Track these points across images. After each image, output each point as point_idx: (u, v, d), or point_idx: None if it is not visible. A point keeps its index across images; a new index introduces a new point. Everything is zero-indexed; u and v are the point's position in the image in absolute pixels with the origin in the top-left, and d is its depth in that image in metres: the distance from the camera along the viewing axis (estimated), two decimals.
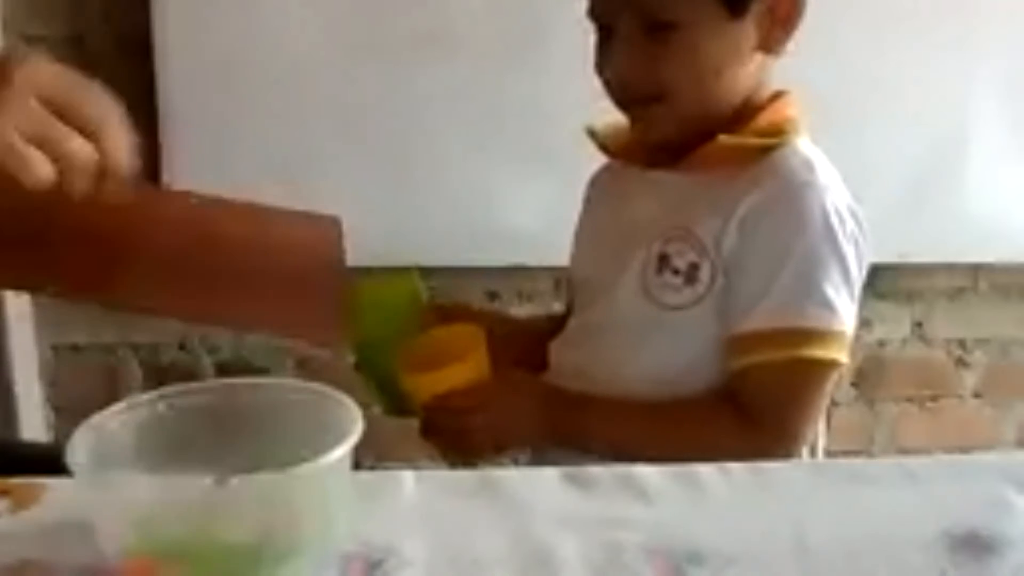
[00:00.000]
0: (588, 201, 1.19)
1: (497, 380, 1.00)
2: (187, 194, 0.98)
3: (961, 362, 2.19)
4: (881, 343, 2.15)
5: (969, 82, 1.92)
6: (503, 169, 1.86)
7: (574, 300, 1.17)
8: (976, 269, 2.11)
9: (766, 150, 0.99)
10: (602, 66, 1.01)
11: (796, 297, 0.95)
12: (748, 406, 0.96)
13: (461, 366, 0.98)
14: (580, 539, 0.69)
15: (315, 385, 0.70)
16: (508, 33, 1.80)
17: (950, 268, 2.09)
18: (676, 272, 0.99)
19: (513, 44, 1.80)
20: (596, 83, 1.05)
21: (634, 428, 1.00)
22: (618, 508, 0.74)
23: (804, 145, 1.01)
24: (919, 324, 2.16)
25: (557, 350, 1.14)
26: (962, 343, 2.18)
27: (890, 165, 1.91)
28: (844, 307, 0.96)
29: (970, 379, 2.21)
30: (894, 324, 2.14)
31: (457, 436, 0.99)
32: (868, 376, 2.17)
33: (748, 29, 0.96)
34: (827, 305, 0.94)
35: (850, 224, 0.98)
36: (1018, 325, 2.17)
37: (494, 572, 0.66)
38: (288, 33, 1.80)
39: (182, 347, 2.04)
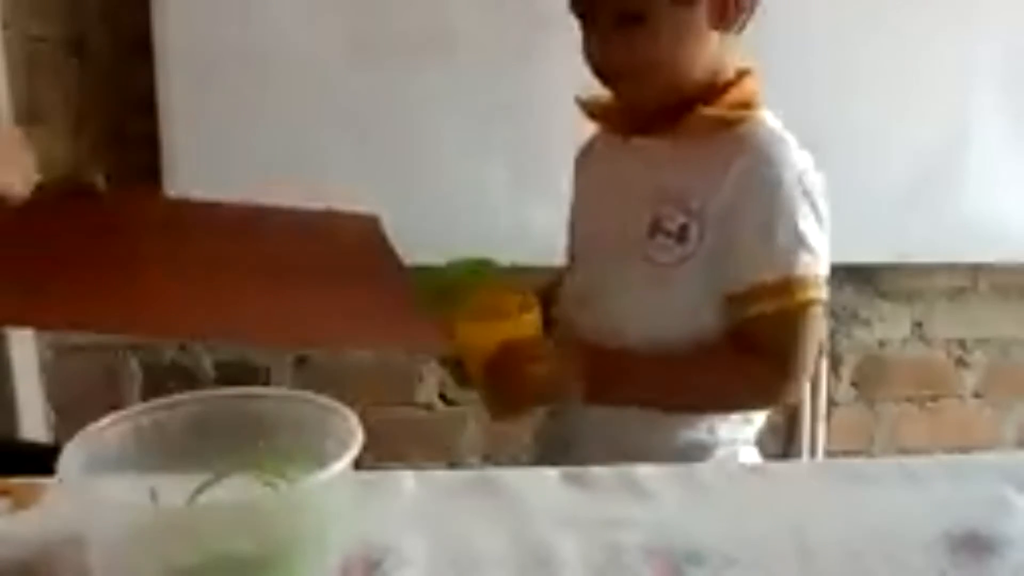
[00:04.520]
0: (580, 169, 1.27)
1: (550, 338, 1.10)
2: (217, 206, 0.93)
3: (961, 362, 2.19)
4: (881, 343, 2.15)
5: (969, 82, 1.92)
6: (503, 169, 1.86)
7: (575, 256, 1.26)
8: (976, 269, 2.11)
9: (740, 120, 1.11)
10: (587, 50, 1.12)
11: (790, 248, 1.06)
12: (763, 352, 1.07)
13: (524, 318, 1.05)
14: (580, 539, 0.69)
15: (310, 394, 0.69)
16: (508, 33, 1.80)
17: (950, 268, 2.09)
18: (668, 234, 1.10)
19: (513, 44, 1.80)
20: (594, 83, 1.12)
21: (668, 386, 1.10)
22: (618, 508, 0.74)
23: (768, 116, 1.14)
24: (919, 324, 2.16)
25: (569, 309, 1.21)
26: (962, 343, 2.18)
27: (890, 165, 1.91)
28: (823, 250, 1.09)
29: (970, 379, 2.21)
30: (894, 324, 2.15)
31: (516, 383, 1.04)
32: (868, 376, 2.17)
33: (699, 12, 1.08)
34: (812, 252, 1.07)
35: (811, 176, 1.10)
36: (1018, 325, 2.17)
37: (494, 572, 0.66)
38: (288, 33, 1.80)
39: (182, 347, 2.04)
